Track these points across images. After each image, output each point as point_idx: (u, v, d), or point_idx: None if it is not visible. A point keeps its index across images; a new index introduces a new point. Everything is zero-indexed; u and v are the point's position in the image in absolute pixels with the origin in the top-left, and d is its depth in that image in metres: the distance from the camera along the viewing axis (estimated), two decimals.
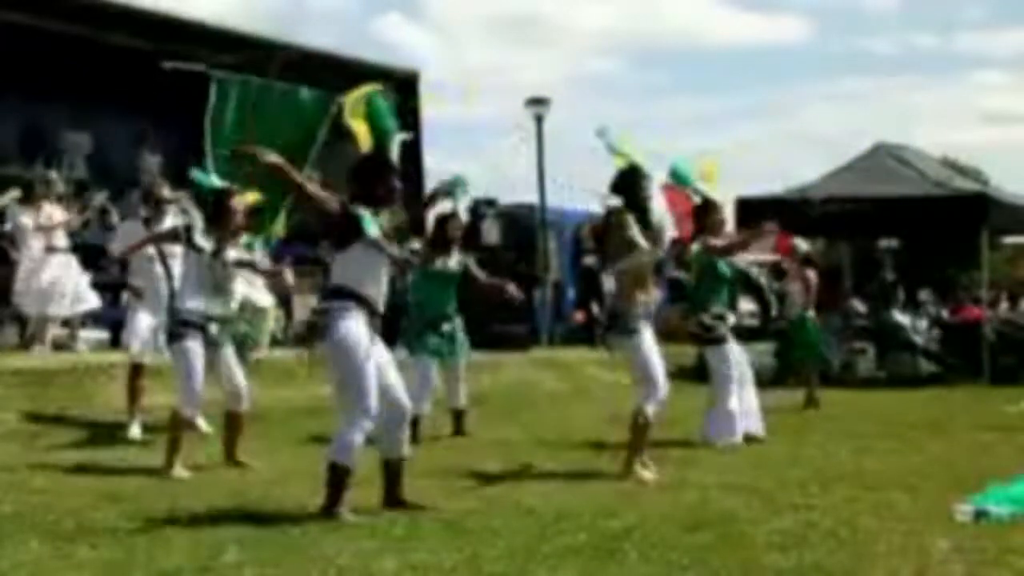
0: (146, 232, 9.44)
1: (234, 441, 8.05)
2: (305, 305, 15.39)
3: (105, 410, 9.93)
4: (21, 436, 9.10)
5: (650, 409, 7.55)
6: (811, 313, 13.23)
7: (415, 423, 9.59)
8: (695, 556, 5.20)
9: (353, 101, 6.47)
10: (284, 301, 14.89)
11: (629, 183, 7.65)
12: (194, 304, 7.80)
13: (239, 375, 8.04)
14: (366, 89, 6.52)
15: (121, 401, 9.62)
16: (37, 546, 5.37)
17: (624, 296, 7.59)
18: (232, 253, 8.04)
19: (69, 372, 10.67)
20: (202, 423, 9.23)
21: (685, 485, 7.22)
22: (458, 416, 10.09)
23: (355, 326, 6.05)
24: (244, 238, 8.39)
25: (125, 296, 13.15)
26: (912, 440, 9.77)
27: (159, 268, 9.33)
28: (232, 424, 8.05)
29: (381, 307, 6.20)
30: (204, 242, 7.89)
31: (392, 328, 14.11)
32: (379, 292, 6.18)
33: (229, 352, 8.00)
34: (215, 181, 8.27)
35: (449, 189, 9.82)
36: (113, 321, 13.92)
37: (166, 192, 9.81)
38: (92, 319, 13.28)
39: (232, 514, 6.10)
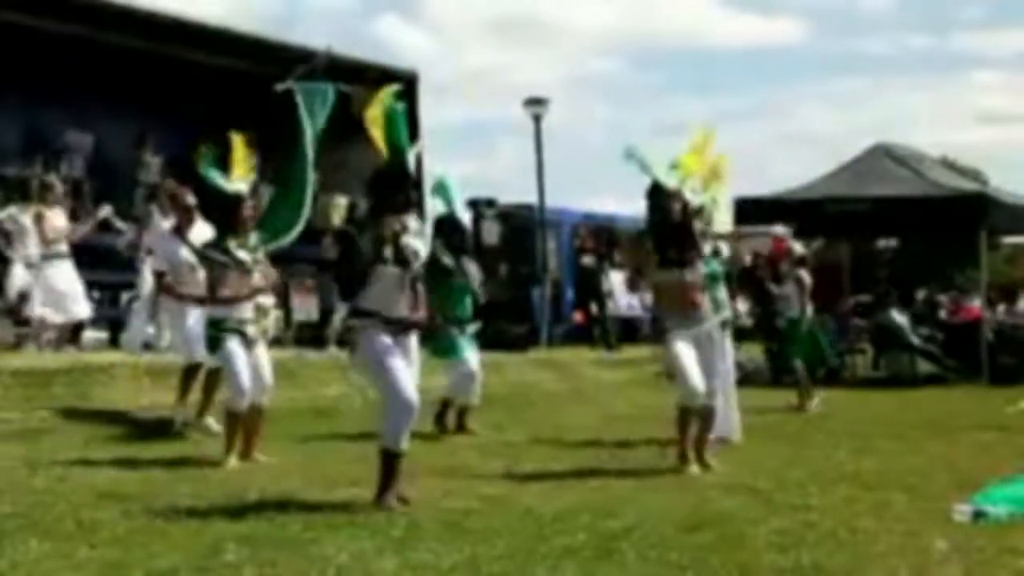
0: (179, 241, 9.70)
1: (254, 437, 8.31)
2: (304, 306, 15.42)
3: (104, 409, 9.93)
4: (20, 436, 9.10)
5: (683, 404, 7.86)
6: (807, 314, 13.23)
7: (463, 413, 10.22)
8: (694, 556, 5.20)
9: (373, 106, 6.62)
10: (283, 301, 14.92)
11: (653, 199, 7.95)
12: (231, 311, 8.16)
13: (268, 370, 8.35)
14: (385, 95, 6.68)
15: (121, 401, 9.63)
16: (36, 545, 5.37)
17: (656, 305, 8.04)
18: (242, 254, 8.23)
19: (68, 372, 10.67)
20: (214, 425, 9.36)
21: (684, 485, 7.23)
22: (463, 413, 10.32)
23: (376, 339, 6.35)
24: (253, 240, 8.43)
25: (125, 297, 13.21)
26: (911, 440, 9.77)
27: (200, 275, 9.36)
28: (256, 418, 8.29)
29: (402, 315, 6.45)
30: (243, 254, 8.15)
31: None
32: (395, 305, 6.42)
33: (262, 348, 8.33)
34: (229, 185, 8.37)
35: (439, 194, 10.01)
36: (112, 321, 13.96)
37: (190, 199, 9.87)
38: (91, 320, 13.27)
39: (231, 513, 6.10)
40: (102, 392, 10.35)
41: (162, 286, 9.95)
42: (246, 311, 8.22)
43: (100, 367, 10.86)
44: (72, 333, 12.59)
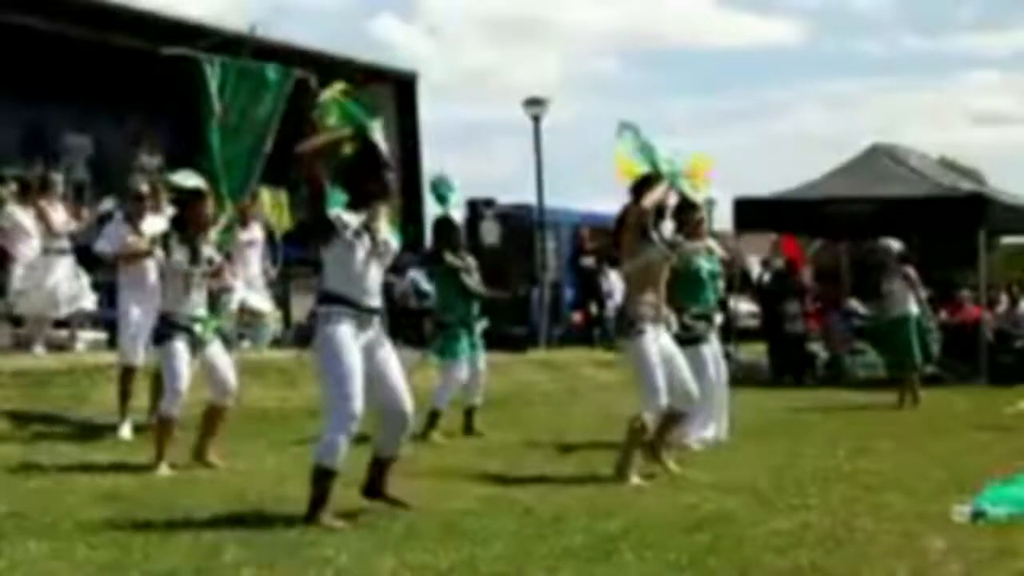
0: (130, 229, 9.51)
1: (211, 439, 8.05)
2: (303, 307, 15.42)
3: (102, 410, 9.92)
4: (18, 436, 9.11)
5: (647, 416, 7.39)
6: (915, 311, 13.19)
7: (434, 417, 9.88)
8: (692, 557, 5.20)
9: (324, 109, 6.35)
10: (282, 303, 14.94)
11: (647, 188, 7.60)
12: (179, 307, 7.91)
13: (228, 370, 8.07)
14: (330, 96, 6.39)
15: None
16: (35, 546, 5.36)
17: (631, 297, 7.54)
18: (207, 251, 8.08)
19: (66, 373, 10.68)
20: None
21: (682, 486, 7.22)
22: (470, 413, 10.28)
23: (339, 330, 5.93)
24: (213, 236, 8.37)
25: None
26: (910, 440, 9.77)
27: (151, 268, 9.35)
28: (212, 420, 8.05)
29: (372, 305, 6.06)
30: (179, 254, 7.92)
31: (417, 331, 14.57)
32: (365, 290, 6.03)
33: (216, 348, 8.06)
34: (189, 181, 8.22)
35: (436, 193, 10.01)
36: (110, 322, 13.94)
37: (143, 188, 9.85)
38: (90, 320, 13.28)
39: (230, 514, 6.09)
40: (101, 393, 10.35)
41: (103, 271, 9.83)
42: (198, 309, 7.97)
43: (97, 367, 10.86)
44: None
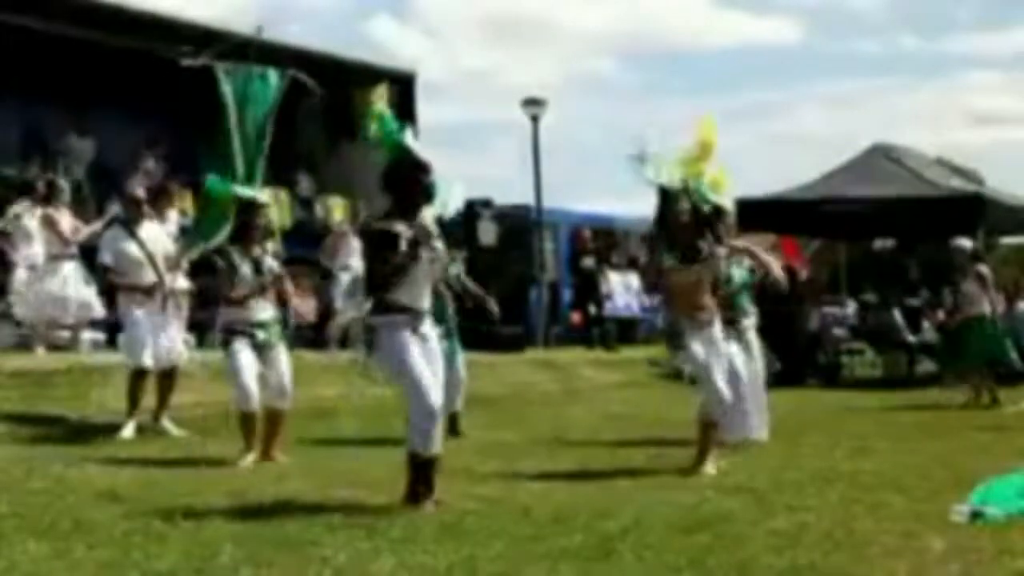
0: (128, 236, 9.53)
1: (273, 438, 8.31)
2: (303, 307, 15.40)
3: (102, 410, 9.93)
4: (18, 436, 9.12)
5: (713, 408, 7.78)
6: (989, 311, 13.16)
7: (452, 417, 9.90)
8: (691, 557, 5.20)
9: (371, 115, 6.51)
10: (282, 304, 14.92)
11: (661, 201, 7.83)
12: (239, 315, 8.22)
13: (287, 375, 8.34)
14: (376, 104, 6.54)
15: (118, 401, 9.63)
16: (34, 546, 5.36)
17: (673, 309, 7.84)
18: (267, 261, 8.38)
19: (66, 373, 10.68)
20: (172, 428, 9.49)
21: (681, 486, 7.22)
22: (452, 418, 10.16)
23: (400, 338, 6.22)
24: (270, 246, 8.62)
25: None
26: (909, 441, 9.78)
27: (150, 271, 9.40)
28: (273, 420, 8.32)
29: (425, 307, 6.33)
30: (245, 267, 8.20)
31: None
32: (420, 295, 6.31)
33: (280, 352, 8.37)
34: (241, 190, 8.54)
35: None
36: (111, 323, 13.94)
37: (140, 192, 9.87)
38: (91, 321, 13.28)
39: (229, 514, 6.10)
40: (100, 393, 10.35)
41: (107, 281, 9.89)
42: (259, 314, 8.25)
43: (97, 368, 10.86)
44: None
